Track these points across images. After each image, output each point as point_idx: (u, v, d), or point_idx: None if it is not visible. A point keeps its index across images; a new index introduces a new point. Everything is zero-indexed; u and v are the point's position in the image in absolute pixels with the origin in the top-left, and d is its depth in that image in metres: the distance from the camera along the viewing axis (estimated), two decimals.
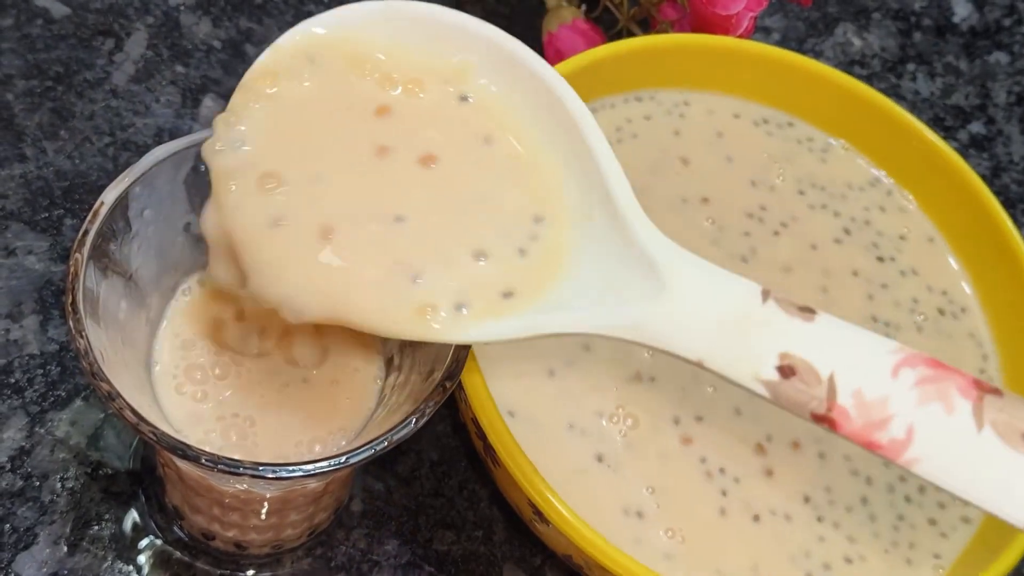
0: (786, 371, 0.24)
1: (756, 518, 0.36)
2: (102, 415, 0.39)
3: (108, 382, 0.26)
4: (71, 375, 0.40)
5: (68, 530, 0.37)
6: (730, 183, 0.44)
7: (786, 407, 0.24)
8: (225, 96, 0.48)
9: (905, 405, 0.22)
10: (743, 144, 0.45)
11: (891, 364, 0.22)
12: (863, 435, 0.22)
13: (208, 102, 0.47)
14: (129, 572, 0.37)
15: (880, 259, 0.44)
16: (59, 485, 0.38)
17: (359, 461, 0.27)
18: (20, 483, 0.38)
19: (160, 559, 0.37)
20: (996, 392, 0.21)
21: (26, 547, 0.37)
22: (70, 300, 0.27)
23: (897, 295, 0.43)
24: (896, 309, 0.43)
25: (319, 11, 0.51)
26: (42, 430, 0.39)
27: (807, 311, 0.24)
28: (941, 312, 0.43)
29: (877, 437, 0.22)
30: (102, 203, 0.28)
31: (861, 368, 0.23)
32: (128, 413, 0.26)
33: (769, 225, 0.43)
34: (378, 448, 0.27)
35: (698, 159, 0.44)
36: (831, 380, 0.23)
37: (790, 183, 0.44)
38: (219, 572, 0.38)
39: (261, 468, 0.26)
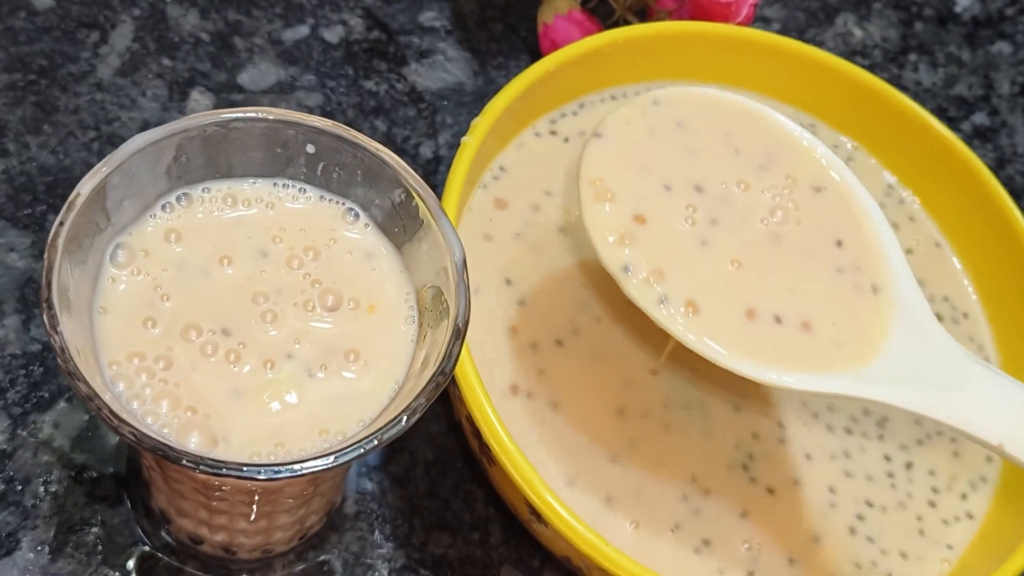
0: None
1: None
2: (86, 417, 0.38)
3: (86, 381, 0.25)
4: (54, 376, 0.39)
5: (51, 535, 0.36)
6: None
7: None
8: (213, 89, 0.46)
9: None
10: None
11: None
12: None
13: (196, 95, 0.46)
14: None
15: None
16: (42, 489, 0.37)
17: (348, 461, 0.26)
18: (2, 487, 0.37)
19: (147, 565, 0.36)
20: None
21: (8, 553, 0.36)
22: (45, 295, 0.26)
23: None
24: None
25: (308, 3, 0.50)
26: (24, 432, 0.38)
27: None
28: (940, 318, 0.42)
29: None
30: (78, 194, 0.27)
31: None
32: (106, 413, 0.25)
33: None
34: (367, 447, 0.26)
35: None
36: None
37: None
38: None
39: (245, 469, 0.25)
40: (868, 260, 0.34)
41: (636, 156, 0.35)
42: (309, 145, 0.31)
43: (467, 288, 0.29)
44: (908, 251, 0.44)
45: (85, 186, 0.27)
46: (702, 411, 0.38)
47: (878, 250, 0.34)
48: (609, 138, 0.35)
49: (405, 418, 0.27)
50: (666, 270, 0.33)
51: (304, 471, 0.26)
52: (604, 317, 0.39)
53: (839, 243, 0.34)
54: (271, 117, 0.30)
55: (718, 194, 0.35)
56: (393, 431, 0.26)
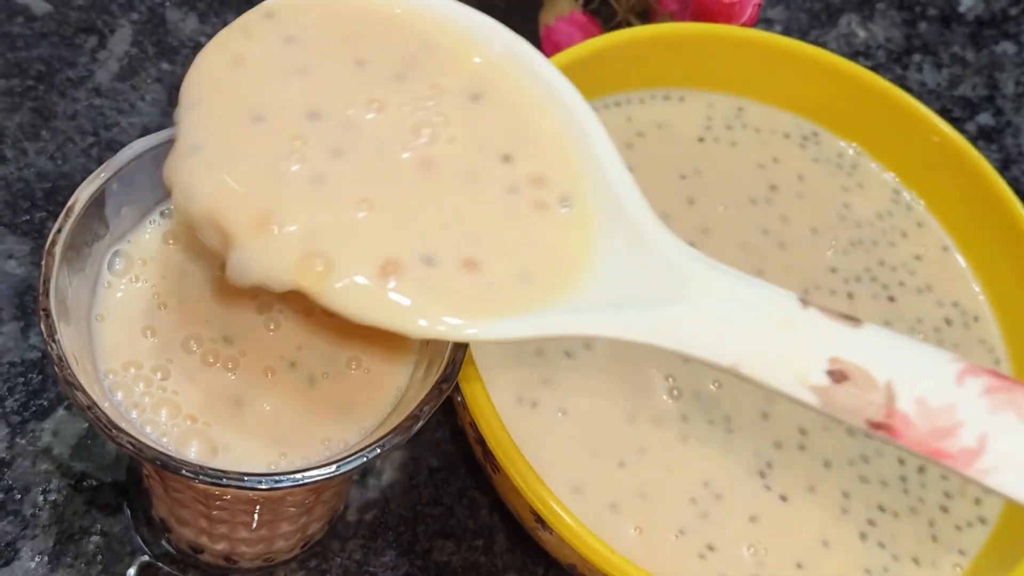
0: (837, 376, 0.22)
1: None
2: (85, 425, 0.38)
3: (84, 391, 0.25)
4: (53, 384, 0.39)
5: (51, 544, 0.36)
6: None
7: (838, 415, 0.23)
8: None
9: (975, 412, 0.20)
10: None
11: (954, 372, 0.21)
12: (928, 443, 0.21)
13: None
14: None
15: (902, 284, 0.42)
16: (41, 498, 0.37)
17: (351, 470, 0.26)
18: (1, 496, 0.36)
19: (147, 574, 0.36)
20: None
21: (7, 563, 0.35)
22: (42, 303, 0.25)
23: (906, 310, 0.42)
24: (901, 322, 0.42)
25: None
26: (23, 441, 0.37)
27: (851, 319, 0.23)
28: (948, 322, 0.42)
29: (945, 446, 0.20)
30: (76, 200, 0.27)
31: (921, 374, 0.21)
32: (105, 423, 0.25)
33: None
34: (370, 456, 0.26)
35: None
36: (888, 386, 0.22)
37: (843, 243, 0.43)
38: None
39: (246, 478, 0.25)
40: (553, 168, 0.27)
41: (225, 88, 0.28)
42: None
43: None
44: (916, 257, 0.43)
45: (83, 192, 0.27)
46: (727, 425, 0.37)
47: (569, 153, 0.28)
48: (201, 68, 0.29)
49: (408, 426, 0.26)
50: (269, 221, 0.26)
51: (306, 480, 0.25)
52: None
53: (507, 157, 0.28)
54: None
55: (341, 119, 0.28)
56: (396, 439, 0.26)
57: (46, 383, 0.39)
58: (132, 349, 0.28)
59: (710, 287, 0.25)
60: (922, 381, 0.21)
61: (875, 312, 0.41)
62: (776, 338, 0.23)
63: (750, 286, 0.25)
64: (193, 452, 0.27)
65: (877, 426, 0.22)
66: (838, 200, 0.44)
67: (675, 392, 0.37)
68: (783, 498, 0.36)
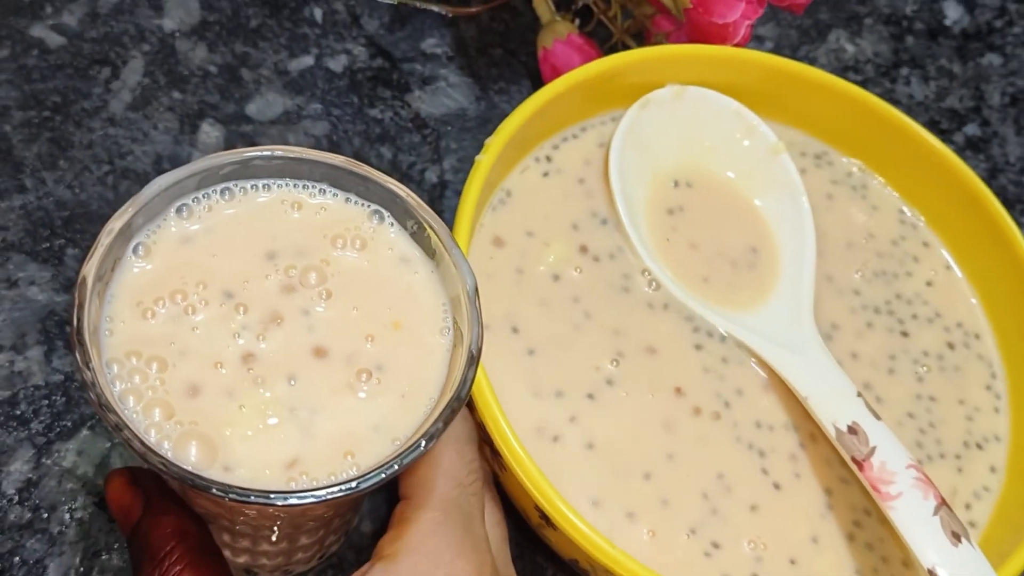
0: (852, 430, 0.38)
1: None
2: (108, 444, 0.39)
3: (116, 413, 0.26)
4: (76, 405, 0.40)
5: (78, 561, 0.37)
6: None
7: (840, 447, 0.38)
8: (223, 121, 0.48)
9: (904, 482, 0.37)
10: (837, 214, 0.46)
11: (907, 462, 0.37)
12: (874, 482, 0.37)
13: (206, 127, 0.47)
14: None
15: (915, 317, 0.44)
16: (67, 516, 0.38)
17: (371, 486, 0.27)
18: (28, 515, 0.38)
19: None
20: (950, 508, 0.36)
21: None
22: (75, 332, 0.27)
23: (915, 344, 0.43)
24: (907, 356, 0.43)
25: (312, 34, 0.51)
26: (49, 461, 0.39)
27: (876, 416, 0.39)
28: (951, 346, 0.43)
29: (881, 487, 0.37)
30: (105, 234, 0.28)
31: (891, 454, 0.37)
32: (137, 443, 0.26)
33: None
34: (388, 472, 0.27)
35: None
36: (873, 449, 0.38)
37: (869, 277, 0.45)
38: None
39: (272, 496, 0.26)
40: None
41: None
42: (324, 183, 0.32)
43: (479, 315, 0.30)
44: (928, 283, 0.45)
45: (111, 227, 0.28)
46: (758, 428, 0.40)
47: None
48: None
49: (424, 443, 0.28)
50: None
51: (328, 497, 0.27)
52: (630, 354, 0.39)
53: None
54: (291, 155, 0.31)
55: None
56: (413, 455, 0.27)
57: (70, 404, 0.40)
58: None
59: (816, 356, 0.41)
60: (890, 456, 0.37)
61: (886, 346, 0.43)
62: (835, 397, 0.39)
63: (833, 366, 0.41)
64: (215, 470, 0.28)
65: (856, 462, 0.38)
66: (863, 229, 0.45)
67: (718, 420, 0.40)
68: (776, 486, 0.38)
